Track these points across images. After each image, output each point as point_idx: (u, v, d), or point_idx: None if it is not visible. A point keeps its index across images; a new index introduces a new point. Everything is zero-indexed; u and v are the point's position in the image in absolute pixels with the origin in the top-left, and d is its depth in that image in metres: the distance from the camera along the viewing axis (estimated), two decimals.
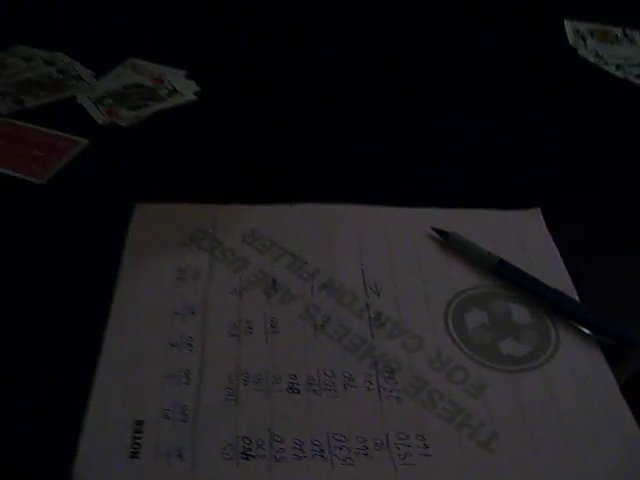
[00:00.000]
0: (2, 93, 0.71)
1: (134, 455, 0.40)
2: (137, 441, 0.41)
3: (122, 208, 0.56)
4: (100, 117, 0.67)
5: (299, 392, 0.44)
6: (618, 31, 0.95)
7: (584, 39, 0.92)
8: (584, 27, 0.94)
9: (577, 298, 0.51)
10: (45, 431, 0.41)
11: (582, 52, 0.89)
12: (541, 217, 0.59)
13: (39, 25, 0.83)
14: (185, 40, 0.81)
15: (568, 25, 0.94)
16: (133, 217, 0.55)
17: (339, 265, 0.52)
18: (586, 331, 0.49)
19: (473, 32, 0.89)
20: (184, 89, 0.71)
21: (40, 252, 0.54)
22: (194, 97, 0.71)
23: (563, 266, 0.54)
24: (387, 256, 0.53)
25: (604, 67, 0.86)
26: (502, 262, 0.53)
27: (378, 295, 0.51)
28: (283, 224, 0.55)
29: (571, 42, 0.91)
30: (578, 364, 0.47)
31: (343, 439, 0.41)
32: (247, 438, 0.41)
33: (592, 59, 0.87)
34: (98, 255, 0.53)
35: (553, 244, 0.56)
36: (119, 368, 0.44)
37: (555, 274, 0.53)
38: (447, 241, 0.55)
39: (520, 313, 0.50)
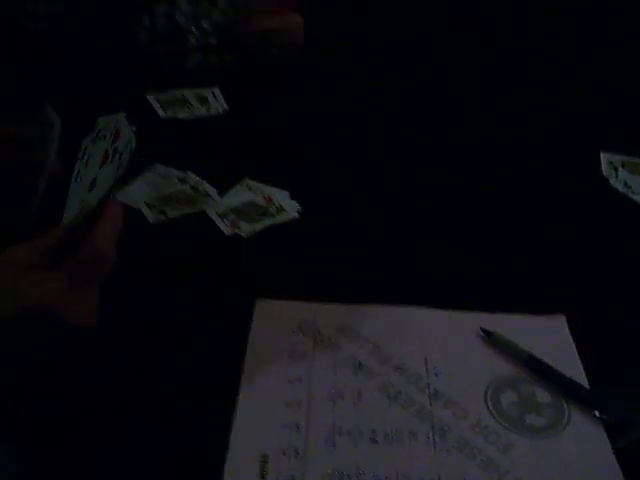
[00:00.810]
0: (149, 205, 0.92)
1: (262, 478, 0.58)
2: (264, 469, 0.59)
3: (246, 302, 0.76)
4: (225, 228, 0.88)
5: (377, 443, 0.62)
6: None
7: (616, 170, 1.10)
8: (617, 159, 1.12)
9: (587, 385, 0.68)
10: (202, 460, 0.60)
11: (613, 182, 1.06)
12: (565, 322, 0.76)
13: (173, 148, 1.05)
14: (289, 165, 1.02)
15: (603, 157, 1.12)
16: (255, 309, 0.75)
17: (408, 353, 0.71)
18: (593, 411, 0.66)
19: (518, 157, 1.08)
20: (289, 208, 0.92)
21: (183, 334, 0.73)
22: (297, 215, 0.91)
23: (578, 360, 0.71)
24: (444, 347, 0.72)
25: (631, 196, 1.03)
26: (531, 356, 0.70)
27: (436, 376, 0.68)
28: (366, 320, 0.74)
29: (604, 173, 1.08)
30: (584, 435, 0.64)
31: (407, 477, 0.59)
32: (341, 472, 0.59)
33: (621, 189, 1.05)
34: (230, 337, 0.72)
35: (572, 342, 0.73)
36: (250, 418, 0.63)
37: (571, 366, 0.70)
38: (490, 338, 0.72)
39: (542, 395, 0.67)
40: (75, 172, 0.67)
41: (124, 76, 1.25)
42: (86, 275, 0.54)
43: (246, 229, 0.88)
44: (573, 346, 0.73)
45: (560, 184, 1.03)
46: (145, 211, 0.91)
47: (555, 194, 1.01)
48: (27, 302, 0.51)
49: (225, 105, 1.19)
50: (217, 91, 1.22)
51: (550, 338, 0.74)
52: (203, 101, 1.20)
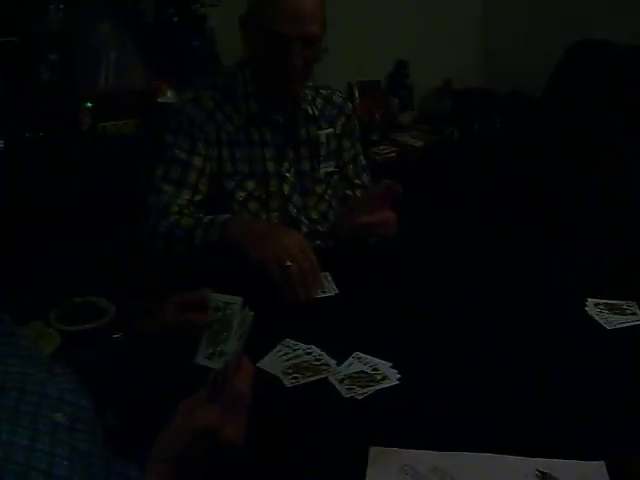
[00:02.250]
0: (284, 372, 1.23)
1: None
2: None
3: (362, 448, 1.04)
4: (344, 391, 1.17)
5: None
6: (622, 303, 1.43)
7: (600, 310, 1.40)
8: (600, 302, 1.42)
9: None
10: None
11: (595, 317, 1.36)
12: (604, 467, 1.00)
13: (299, 325, 1.36)
14: (391, 339, 1.31)
15: (590, 301, 1.42)
16: (370, 454, 1.03)
17: None
18: None
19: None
20: (391, 375, 1.20)
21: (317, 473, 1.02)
22: (397, 382, 1.19)
23: None
24: None
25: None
26: None
27: None
28: (452, 463, 1.01)
29: (588, 311, 1.38)
30: None
31: None
32: None
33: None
34: (351, 475, 1.00)
35: None
36: None
37: None
38: (544, 477, 0.98)
39: None
40: None
41: None
42: (232, 407, 0.90)
43: (359, 392, 1.17)
44: None
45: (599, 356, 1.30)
46: (282, 377, 1.21)
47: (594, 363, 1.27)
48: (199, 426, 0.86)
49: (336, 287, 1.51)
50: (329, 276, 1.55)
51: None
52: None
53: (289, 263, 1.42)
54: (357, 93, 3.33)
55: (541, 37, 3.28)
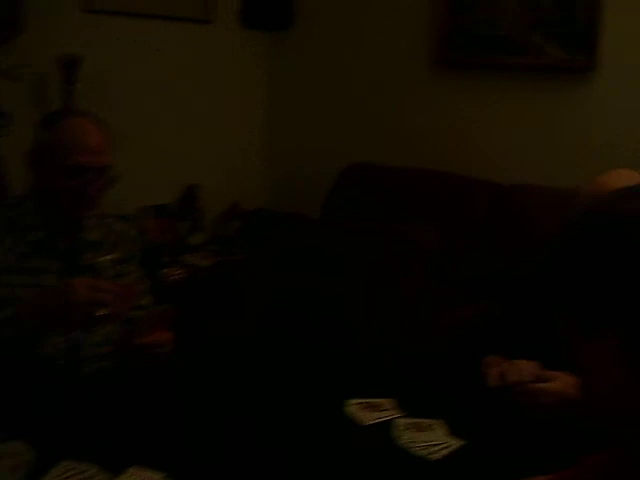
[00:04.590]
0: None
1: None
2: None
3: None
4: None
5: None
6: (429, 422, 1.56)
7: (404, 430, 1.53)
8: (405, 422, 1.56)
9: None
10: None
11: (400, 441, 1.49)
12: None
13: (78, 443, 1.41)
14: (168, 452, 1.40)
15: (394, 423, 1.55)
16: None
17: None
18: None
19: None
20: None
21: None
22: None
23: None
24: None
25: (412, 449, 1.45)
26: None
27: None
28: None
29: (395, 434, 1.51)
30: None
31: None
32: None
33: (406, 444, 1.47)
34: None
35: None
36: None
37: None
38: None
39: None
40: None
41: None
42: None
43: None
44: None
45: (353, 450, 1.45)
46: None
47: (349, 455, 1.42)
48: None
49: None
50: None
51: None
52: None
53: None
54: (148, 216, 3.44)
55: (318, 162, 3.60)
